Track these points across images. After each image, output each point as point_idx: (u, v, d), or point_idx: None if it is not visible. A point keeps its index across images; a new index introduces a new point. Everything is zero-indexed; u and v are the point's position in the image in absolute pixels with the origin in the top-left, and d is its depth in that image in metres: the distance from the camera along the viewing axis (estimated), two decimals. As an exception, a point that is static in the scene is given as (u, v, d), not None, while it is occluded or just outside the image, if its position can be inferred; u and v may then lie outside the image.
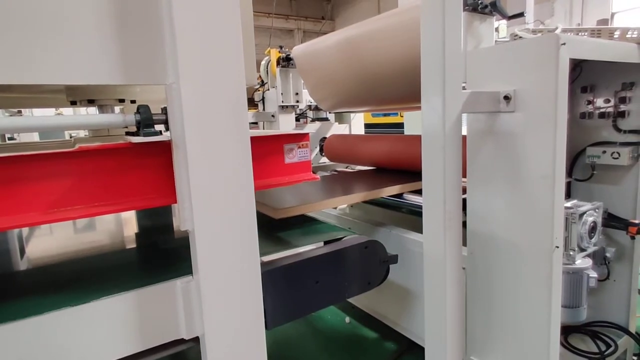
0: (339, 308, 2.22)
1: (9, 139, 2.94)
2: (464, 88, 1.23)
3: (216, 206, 0.84)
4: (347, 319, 2.13)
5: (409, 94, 1.77)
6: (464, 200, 1.33)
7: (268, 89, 2.77)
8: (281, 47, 2.64)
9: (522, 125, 1.09)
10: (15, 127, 0.70)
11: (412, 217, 1.89)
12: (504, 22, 1.71)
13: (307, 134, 1.13)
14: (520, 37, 1.39)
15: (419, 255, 1.23)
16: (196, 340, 0.93)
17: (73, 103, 1.11)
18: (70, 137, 3.39)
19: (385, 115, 6.71)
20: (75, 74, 0.74)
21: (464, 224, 1.31)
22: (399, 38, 1.57)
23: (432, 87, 1.01)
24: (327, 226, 1.37)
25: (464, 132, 1.25)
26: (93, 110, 1.14)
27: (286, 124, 2.69)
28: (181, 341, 0.94)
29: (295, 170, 1.12)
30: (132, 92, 1.19)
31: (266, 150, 1.05)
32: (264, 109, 2.83)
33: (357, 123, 2.98)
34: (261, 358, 0.95)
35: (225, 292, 0.88)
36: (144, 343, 0.89)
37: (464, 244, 1.31)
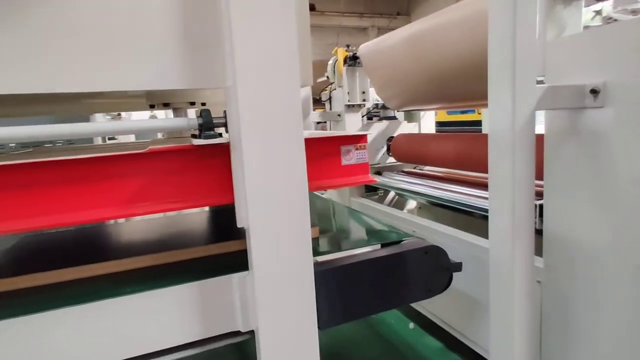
0: (403, 313, 2.16)
1: (109, 139, 3.36)
2: (541, 82, 1.11)
3: (270, 206, 0.86)
4: (411, 325, 2.06)
5: (481, 90, 1.65)
6: (540, 206, 1.21)
7: (335, 89, 2.78)
8: (348, 46, 2.64)
9: (613, 122, 0.96)
10: (83, 132, 0.80)
11: (485, 223, 1.76)
12: (608, 2, 1.48)
13: (365, 135, 1.11)
14: (615, 20, 1.22)
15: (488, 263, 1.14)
16: (252, 333, 0.97)
17: (152, 106, 1.23)
18: (163, 137, 3.72)
19: (463, 112, 6.36)
20: (148, 81, 0.82)
21: (540, 232, 1.19)
22: (469, 30, 1.47)
23: (499, 83, 0.93)
24: (387, 228, 1.33)
25: (542, 130, 1.13)
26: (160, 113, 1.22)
27: (352, 124, 2.67)
28: (239, 333, 0.99)
29: (352, 172, 1.11)
30: (202, 95, 1.27)
31: (322, 152, 1.06)
32: (330, 109, 2.85)
33: (427, 121, 2.86)
34: (314, 356, 0.96)
35: (278, 289, 0.90)
36: (205, 331, 0.95)
37: (539, 254, 1.19)
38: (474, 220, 1.90)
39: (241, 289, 0.94)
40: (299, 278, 0.92)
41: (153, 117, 4.26)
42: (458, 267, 1.21)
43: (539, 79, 1.15)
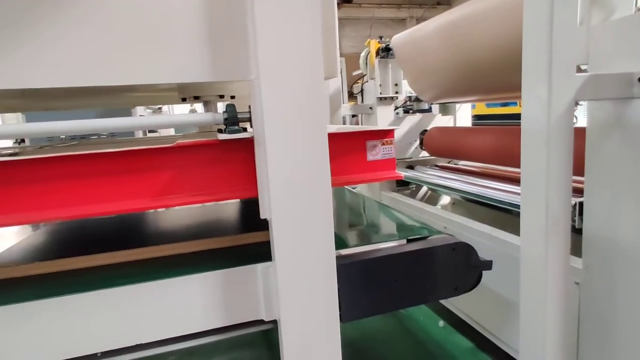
0: (433, 310, 2.12)
1: (150, 132, 3.51)
2: (584, 71, 1.04)
3: (292, 199, 0.87)
4: (441, 323, 2.02)
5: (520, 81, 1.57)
6: (580, 204, 1.14)
7: (367, 81, 2.74)
8: (381, 38, 2.59)
9: (663, 114, 0.88)
10: (117, 126, 0.83)
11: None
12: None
13: (392, 130, 1.09)
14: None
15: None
16: (276, 322, 0.98)
17: (183, 99, 1.27)
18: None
19: (503, 105, 6.08)
20: (176, 74, 0.84)
21: (579, 231, 1.12)
22: (508, 17, 1.39)
23: (534, 71, 0.87)
24: (414, 224, 1.30)
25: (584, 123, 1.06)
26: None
27: (384, 117, 2.62)
28: (262, 322, 1.01)
29: (378, 168, 1.10)
30: (231, 88, 1.29)
31: (347, 147, 1.05)
32: (362, 101, 2.82)
33: (463, 114, 2.75)
34: (335, 348, 0.96)
35: (300, 280, 0.91)
36: (230, 319, 0.98)
37: (579, 254, 1.12)
38: (512, 217, 1.83)
39: (265, 278, 0.96)
40: (321, 270, 0.92)
41: (193, 111, 4.41)
42: (488, 265, 1.16)
43: (583, 67, 1.08)
